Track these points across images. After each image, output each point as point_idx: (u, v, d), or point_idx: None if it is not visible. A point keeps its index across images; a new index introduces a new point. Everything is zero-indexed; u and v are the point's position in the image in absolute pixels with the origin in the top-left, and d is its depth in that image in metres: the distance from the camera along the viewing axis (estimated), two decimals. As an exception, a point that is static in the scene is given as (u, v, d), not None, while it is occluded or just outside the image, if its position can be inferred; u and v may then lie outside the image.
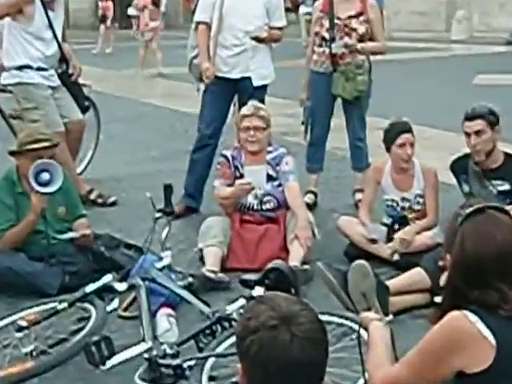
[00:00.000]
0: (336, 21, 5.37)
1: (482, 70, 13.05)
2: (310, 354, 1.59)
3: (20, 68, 5.41)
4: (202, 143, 5.38)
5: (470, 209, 2.05)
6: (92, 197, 5.61)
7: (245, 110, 4.65)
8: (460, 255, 2.02)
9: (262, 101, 5.16)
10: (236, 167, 4.63)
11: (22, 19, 5.39)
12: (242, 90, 5.26)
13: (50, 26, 5.51)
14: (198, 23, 5.33)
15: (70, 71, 5.87)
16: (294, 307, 1.64)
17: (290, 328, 1.57)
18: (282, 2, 5.46)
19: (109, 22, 21.63)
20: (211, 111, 5.36)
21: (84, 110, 5.98)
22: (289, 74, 8.49)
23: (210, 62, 5.16)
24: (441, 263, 2.18)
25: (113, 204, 5.72)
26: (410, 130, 4.47)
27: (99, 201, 5.65)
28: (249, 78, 5.20)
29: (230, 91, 5.32)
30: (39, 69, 5.47)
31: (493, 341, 1.93)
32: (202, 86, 5.41)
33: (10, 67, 5.45)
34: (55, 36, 5.56)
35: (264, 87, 5.36)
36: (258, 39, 5.13)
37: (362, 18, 5.38)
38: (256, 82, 5.22)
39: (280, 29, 5.36)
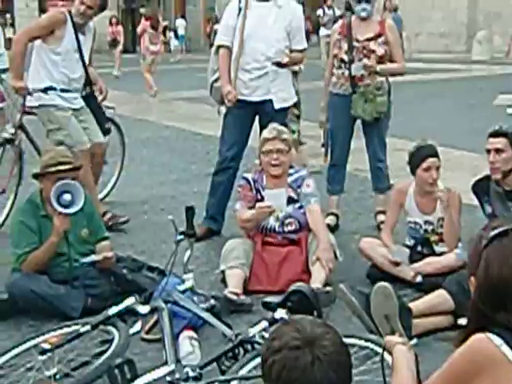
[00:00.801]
0: (354, 43, 5.40)
1: (503, 91, 12.98)
2: (331, 378, 1.59)
3: (43, 90, 5.45)
4: (224, 166, 5.39)
5: (494, 231, 2.05)
6: (105, 219, 5.64)
7: (267, 134, 4.65)
8: (485, 278, 2.01)
9: (284, 123, 5.16)
10: (257, 190, 4.64)
11: (52, 40, 5.49)
12: (263, 112, 5.27)
13: (79, 49, 5.58)
14: (220, 47, 5.37)
15: (97, 94, 5.95)
16: (318, 330, 1.65)
17: (312, 350, 1.58)
18: (303, 25, 5.47)
19: (121, 46, 21.84)
20: (232, 134, 5.38)
21: (105, 133, 6.03)
22: (308, 96, 8.50)
23: (232, 85, 5.18)
24: (471, 288, 2.17)
25: (125, 223, 5.73)
26: (436, 154, 4.45)
27: (110, 223, 5.64)
28: (270, 101, 5.21)
29: (251, 114, 5.33)
30: (62, 90, 5.53)
31: (518, 363, 1.91)
32: (223, 109, 5.42)
33: (34, 89, 5.49)
34: (82, 59, 5.63)
35: (285, 110, 5.38)
36: (279, 64, 5.15)
37: (380, 40, 5.40)
38: (277, 105, 5.23)
39: (301, 51, 5.39)
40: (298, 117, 6.76)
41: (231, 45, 5.25)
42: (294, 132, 6.40)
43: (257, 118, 5.39)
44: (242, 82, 5.23)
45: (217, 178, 5.45)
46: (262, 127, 5.11)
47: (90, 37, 5.81)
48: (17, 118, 5.90)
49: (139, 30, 17.52)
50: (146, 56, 16.33)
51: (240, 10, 5.23)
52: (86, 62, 5.71)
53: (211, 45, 23.94)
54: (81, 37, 5.59)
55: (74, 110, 5.66)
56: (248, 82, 5.23)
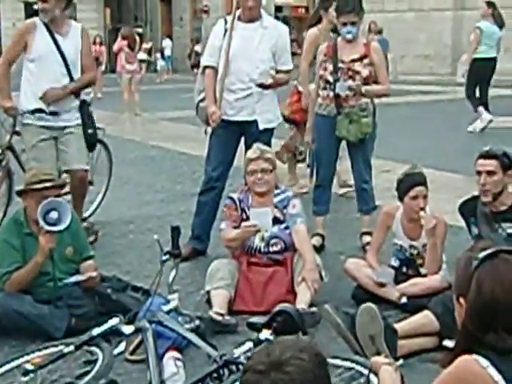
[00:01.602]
0: (340, 64, 5.42)
1: (501, 113, 12.99)
2: None
3: (32, 112, 5.42)
4: (209, 185, 5.40)
5: (484, 253, 2.06)
6: None
7: (250, 154, 4.68)
8: (477, 298, 2.02)
9: (268, 144, 5.19)
10: (243, 209, 4.64)
11: (27, 50, 5.43)
12: (248, 133, 5.29)
13: (59, 50, 5.42)
14: (205, 67, 5.39)
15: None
16: (288, 354, 1.59)
17: (276, 375, 1.56)
18: (289, 47, 5.50)
19: (103, 67, 21.75)
20: (218, 154, 5.39)
21: (90, 148, 5.87)
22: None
23: (217, 105, 5.19)
24: (456, 309, 2.18)
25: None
26: (424, 183, 4.47)
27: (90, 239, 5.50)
28: (255, 122, 5.24)
29: (236, 134, 5.35)
30: (36, 111, 5.43)
31: (503, 384, 1.92)
32: (209, 129, 5.42)
33: (23, 111, 5.49)
34: (65, 62, 5.43)
35: (270, 130, 5.39)
36: (263, 86, 5.17)
37: (365, 61, 5.43)
38: (262, 126, 5.25)
39: (287, 72, 5.40)
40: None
41: (217, 65, 5.27)
42: (301, 153, 6.42)
43: (242, 138, 5.40)
44: (227, 103, 5.25)
45: (202, 197, 5.46)
46: (247, 147, 5.13)
47: (76, 38, 5.54)
48: (6, 139, 5.85)
49: (115, 48, 17.56)
50: (121, 74, 16.50)
51: (226, 31, 5.26)
52: (72, 65, 5.47)
53: (192, 66, 24.08)
54: (58, 37, 5.41)
55: (52, 129, 5.52)
56: (233, 102, 5.25)
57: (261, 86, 5.16)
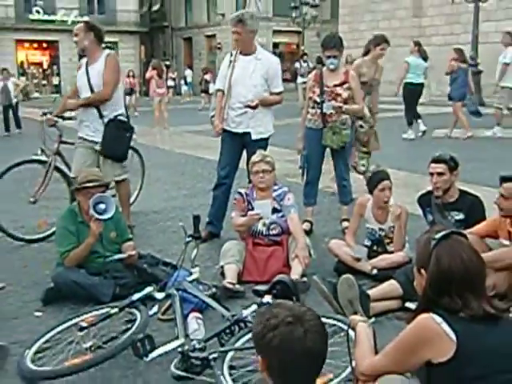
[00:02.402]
0: (325, 88, 5.41)
1: (438, 126, 13.10)
2: (319, 345, 1.64)
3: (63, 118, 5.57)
4: (220, 182, 5.40)
5: (440, 234, 2.07)
6: None
7: (254, 158, 4.67)
8: (435, 271, 2.04)
9: (264, 149, 5.15)
10: (249, 202, 4.63)
11: None
12: (246, 142, 5.27)
13: (88, 80, 5.34)
14: (217, 90, 5.39)
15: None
16: (302, 309, 1.68)
17: (303, 324, 1.61)
18: (280, 73, 5.42)
19: (137, 94, 21.77)
20: (226, 157, 5.40)
21: (120, 159, 5.51)
22: (289, 130, 8.54)
23: (220, 120, 5.21)
24: (416, 279, 2.18)
25: None
26: (388, 178, 4.48)
27: None
28: (249, 133, 5.22)
29: (238, 142, 5.33)
30: (81, 121, 5.43)
31: (454, 337, 1.92)
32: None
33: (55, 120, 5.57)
34: (90, 86, 5.32)
35: (262, 140, 5.31)
36: (249, 106, 5.10)
37: (345, 86, 5.42)
38: (254, 136, 5.23)
39: (278, 94, 5.34)
40: (367, 153, 6.36)
41: (225, 89, 5.26)
42: (363, 165, 6.24)
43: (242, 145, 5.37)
44: (230, 118, 5.24)
45: (215, 192, 5.45)
46: (248, 153, 5.15)
47: (101, 64, 5.31)
48: (54, 146, 5.72)
49: (147, 76, 17.57)
50: (153, 97, 16.50)
51: (231, 62, 5.25)
52: (96, 87, 5.29)
53: (202, 90, 24.25)
54: (89, 67, 5.33)
55: (90, 141, 5.38)
56: (234, 117, 5.23)
57: (247, 106, 5.11)
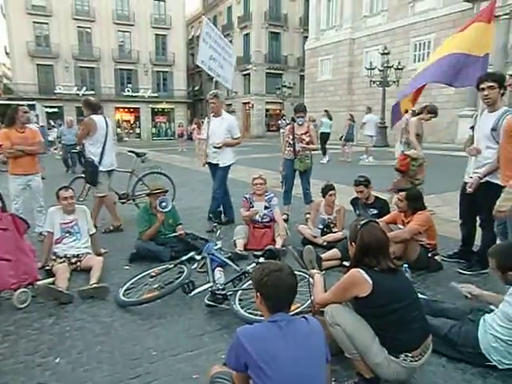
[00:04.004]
0: (295, 135, 5.39)
1: (363, 163, 12.87)
2: (293, 282, 1.64)
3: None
4: (214, 193, 5.14)
5: (363, 222, 2.08)
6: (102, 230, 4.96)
7: (255, 176, 4.63)
8: (360, 243, 2.05)
9: (226, 173, 5.10)
10: (250, 202, 4.61)
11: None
12: (217, 168, 5.12)
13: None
14: (201, 139, 5.30)
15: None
16: (283, 264, 1.70)
17: (283, 271, 1.61)
18: (236, 125, 5.14)
19: (185, 137, 21.63)
20: (213, 178, 5.24)
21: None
22: (275, 160, 8.48)
23: (205, 156, 5.09)
24: (349, 249, 2.18)
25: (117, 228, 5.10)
26: (333, 188, 4.47)
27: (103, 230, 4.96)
28: (217, 164, 5.09)
29: (214, 169, 5.18)
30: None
31: (370, 282, 1.93)
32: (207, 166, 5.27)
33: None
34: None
35: (227, 166, 5.12)
36: (217, 147, 4.96)
37: (307, 134, 5.39)
38: (220, 165, 5.07)
39: (236, 138, 5.10)
40: (417, 180, 5.31)
41: (205, 138, 5.13)
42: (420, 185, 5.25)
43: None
44: (209, 154, 5.11)
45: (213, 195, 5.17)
46: (214, 175, 5.12)
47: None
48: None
49: (191, 128, 17.85)
50: (195, 140, 16.33)
51: (208, 121, 5.13)
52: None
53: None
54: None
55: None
56: (211, 154, 5.09)
57: (215, 147, 4.96)
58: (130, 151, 5.84)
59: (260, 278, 1.64)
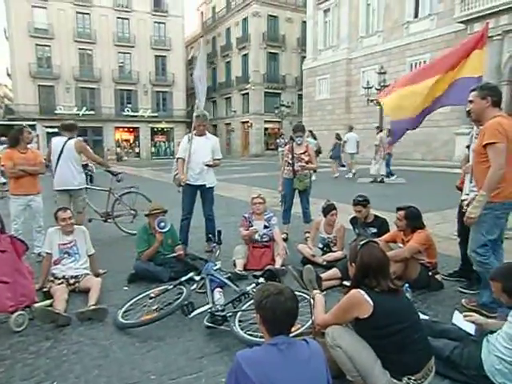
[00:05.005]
0: (294, 154, 5.45)
1: (361, 175, 13.01)
2: (293, 306, 1.64)
3: None
4: (184, 217, 4.94)
5: (362, 242, 2.09)
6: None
7: (254, 196, 4.63)
8: (360, 264, 2.05)
9: (212, 195, 4.97)
10: (250, 221, 4.60)
11: None
12: (202, 189, 4.95)
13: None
14: (178, 158, 4.91)
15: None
16: (283, 286, 1.70)
17: (284, 294, 1.60)
18: (219, 147, 5.06)
19: None
20: (188, 202, 4.91)
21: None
22: (274, 179, 8.51)
23: (185, 176, 4.78)
24: (349, 269, 2.18)
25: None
26: (335, 208, 4.49)
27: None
28: (204, 185, 4.92)
29: (195, 191, 4.94)
30: None
31: (371, 303, 1.92)
32: (180, 189, 4.98)
33: None
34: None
35: (212, 188, 5.01)
36: (208, 165, 4.85)
37: (306, 153, 5.45)
38: (207, 186, 4.92)
39: (219, 159, 5.01)
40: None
41: (184, 157, 4.88)
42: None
43: (198, 192, 4.99)
44: (190, 175, 4.85)
45: (183, 222, 4.93)
46: (203, 197, 4.92)
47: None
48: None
49: None
50: None
51: (189, 140, 4.89)
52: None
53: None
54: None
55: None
56: (194, 175, 4.87)
57: (207, 165, 4.84)
58: (106, 170, 5.80)
59: (260, 299, 1.64)
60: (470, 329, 2.27)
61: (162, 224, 4.08)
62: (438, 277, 3.74)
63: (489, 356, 2.02)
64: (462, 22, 19.12)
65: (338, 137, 14.27)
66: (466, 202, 3.54)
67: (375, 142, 12.96)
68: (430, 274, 3.67)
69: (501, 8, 17.38)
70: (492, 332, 2.13)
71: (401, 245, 3.80)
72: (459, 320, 2.35)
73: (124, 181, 6.09)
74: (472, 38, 3.90)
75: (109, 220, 5.95)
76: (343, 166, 14.41)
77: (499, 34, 17.32)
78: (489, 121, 2.76)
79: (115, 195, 6.00)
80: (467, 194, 3.62)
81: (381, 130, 13.09)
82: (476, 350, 2.07)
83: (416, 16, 22.26)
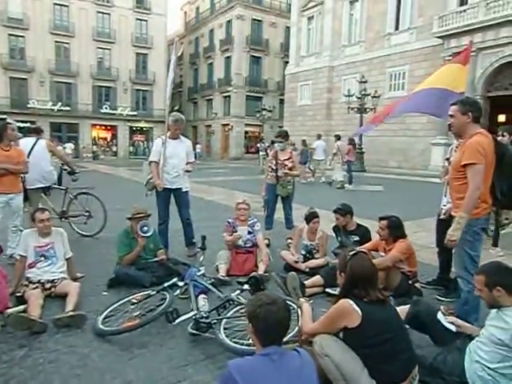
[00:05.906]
0: (278, 160, 5.48)
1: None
2: (285, 316, 1.64)
3: None
4: (162, 221, 4.89)
5: (352, 253, 2.12)
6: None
7: (239, 201, 4.63)
8: (349, 274, 2.08)
9: (187, 199, 4.94)
10: (234, 227, 4.59)
11: None
12: (177, 194, 4.91)
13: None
14: (151, 162, 4.82)
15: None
16: (275, 296, 1.70)
17: (276, 304, 1.60)
18: (192, 150, 5.03)
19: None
20: (163, 206, 4.86)
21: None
22: (254, 183, 8.54)
23: (160, 180, 4.70)
24: (338, 279, 2.20)
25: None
26: (317, 215, 4.53)
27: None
28: (180, 188, 4.89)
29: (169, 195, 4.89)
30: None
31: (360, 312, 1.95)
32: (150, 193, 4.84)
33: None
34: None
35: (186, 192, 5.00)
36: (188, 171, 4.84)
37: (290, 160, 5.49)
38: (183, 190, 4.91)
39: (192, 162, 4.97)
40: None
41: (158, 160, 4.80)
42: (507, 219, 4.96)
43: (172, 196, 4.95)
44: (165, 179, 4.78)
45: (160, 227, 4.85)
46: (177, 201, 4.87)
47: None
48: None
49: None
50: None
51: (163, 143, 4.80)
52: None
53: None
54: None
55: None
56: (170, 179, 4.81)
57: (187, 171, 4.83)
58: (64, 169, 5.73)
59: (252, 309, 1.64)
60: (452, 328, 2.36)
61: (145, 228, 4.01)
62: (417, 285, 3.84)
63: (471, 364, 2.10)
64: (439, 37, 19.86)
65: (305, 143, 15.47)
66: (443, 211, 3.67)
67: (333, 150, 13.56)
68: (410, 282, 3.77)
69: (476, 26, 18.20)
70: (472, 338, 2.21)
71: (382, 253, 3.88)
72: (442, 319, 2.44)
73: (79, 180, 5.90)
74: (458, 56, 4.08)
75: (63, 219, 5.80)
76: (310, 169, 15.29)
77: (473, 51, 18.09)
78: (469, 138, 2.77)
79: (71, 195, 5.87)
80: (444, 205, 3.75)
81: (339, 139, 13.59)
82: (460, 357, 2.14)
83: (397, 28, 22.94)
